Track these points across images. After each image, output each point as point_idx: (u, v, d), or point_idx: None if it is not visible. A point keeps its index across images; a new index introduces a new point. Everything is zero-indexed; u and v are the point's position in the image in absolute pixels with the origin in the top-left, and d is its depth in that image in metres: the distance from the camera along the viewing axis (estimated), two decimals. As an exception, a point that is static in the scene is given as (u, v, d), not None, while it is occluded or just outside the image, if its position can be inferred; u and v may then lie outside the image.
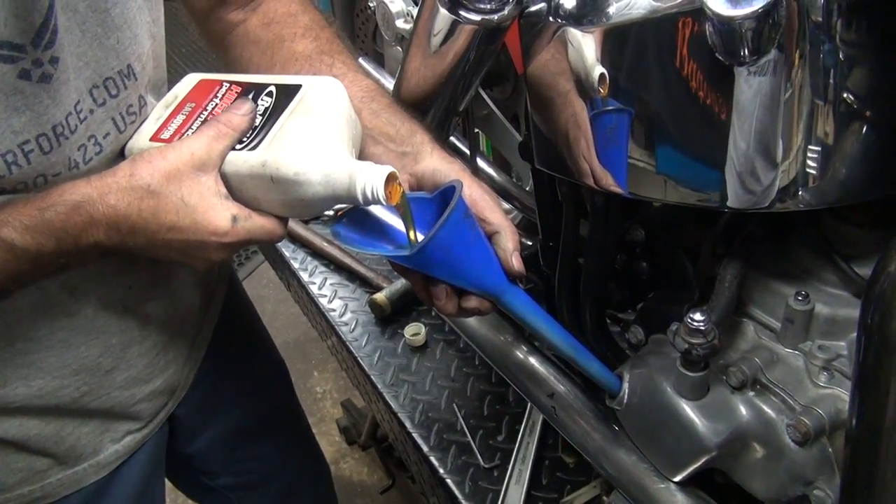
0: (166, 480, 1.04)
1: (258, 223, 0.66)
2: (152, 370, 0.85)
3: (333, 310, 1.53)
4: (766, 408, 0.71)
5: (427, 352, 1.40)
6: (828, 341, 0.71)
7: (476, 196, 0.70)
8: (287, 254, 1.67)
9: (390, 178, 0.63)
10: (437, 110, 0.92)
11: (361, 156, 0.75)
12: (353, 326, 1.49)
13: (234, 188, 0.66)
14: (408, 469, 1.66)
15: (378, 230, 0.72)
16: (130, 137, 0.71)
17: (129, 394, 0.83)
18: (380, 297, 1.47)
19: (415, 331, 1.41)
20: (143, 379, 0.84)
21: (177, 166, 0.63)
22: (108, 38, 0.67)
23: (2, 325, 0.71)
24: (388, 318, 1.46)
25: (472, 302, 0.70)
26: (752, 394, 0.72)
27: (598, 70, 0.70)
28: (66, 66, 0.63)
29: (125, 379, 0.82)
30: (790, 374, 0.71)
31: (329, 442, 2.16)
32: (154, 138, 0.69)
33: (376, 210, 0.72)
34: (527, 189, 1.21)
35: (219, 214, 0.63)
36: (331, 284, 1.59)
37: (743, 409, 0.71)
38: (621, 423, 0.82)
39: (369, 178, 0.62)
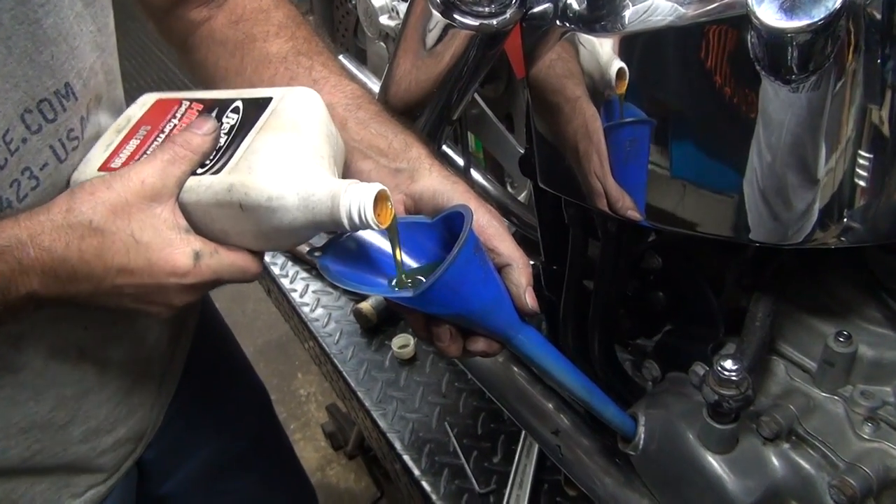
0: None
1: (226, 259, 0.57)
2: (115, 419, 0.76)
3: (316, 319, 1.45)
4: (804, 463, 0.63)
5: (416, 365, 1.33)
6: (871, 386, 0.63)
7: (484, 222, 0.61)
8: (266, 258, 1.58)
9: (380, 198, 0.54)
10: (427, 119, 0.82)
11: (348, 172, 0.66)
12: (337, 338, 1.40)
13: (197, 220, 0.57)
14: (396, 482, 1.61)
15: (371, 261, 0.63)
16: (75, 167, 0.61)
17: (88, 447, 0.74)
18: (365, 306, 1.39)
19: (403, 342, 1.33)
20: (104, 429, 0.75)
21: (125, 197, 0.54)
22: (40, 54, 0.57)
23: None
24: (375, 328, 1.39)
25: (479, 344, 0.62)
26: (787, 446, 0.64)
27: (615, 70, 0.61)
28: None
29: (83, 432, 0.73)
30: (830, 423, 0.64)
31: (314, 447, 2.09)
32: (103, 168, 0.59)
33: (368, 236, 0.63)
34: (520, 198, 1.12)
35: (177, 251, 0.54)
36: (313, 292, 1.50)
37: (777, 464, 0.64)
38: (635, 468, 0.75)
39: (355, 199, 0.53)
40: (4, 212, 0.57)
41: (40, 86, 0.58)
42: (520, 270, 0.61)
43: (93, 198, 0.53)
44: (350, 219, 0.54)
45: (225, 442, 0.99)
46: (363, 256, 0.63)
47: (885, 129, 0.53)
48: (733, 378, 0.60)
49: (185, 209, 0.56)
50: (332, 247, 0.62)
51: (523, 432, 1.17)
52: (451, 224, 0.60)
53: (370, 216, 0.53)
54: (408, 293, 0.56)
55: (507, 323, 0.61)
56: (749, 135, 0.55)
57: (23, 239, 0.52)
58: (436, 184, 0.63)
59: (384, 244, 0.63)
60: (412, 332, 0.59)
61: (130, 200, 0.54)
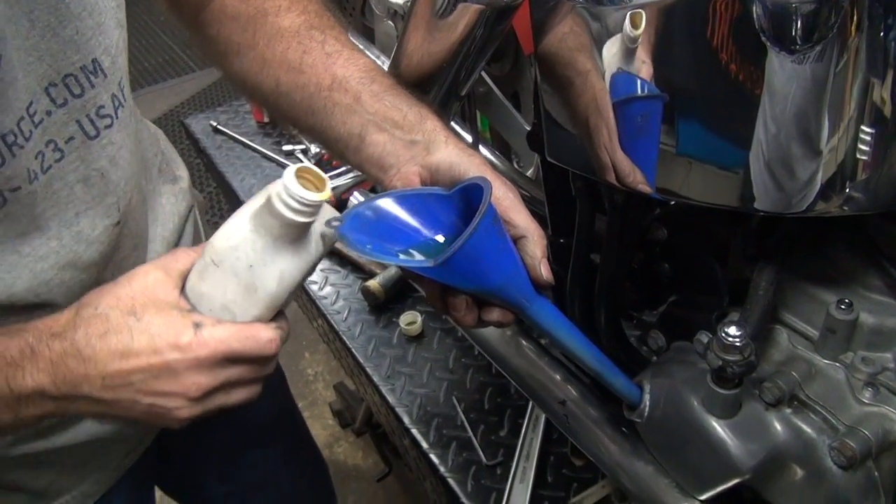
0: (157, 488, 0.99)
1: (230, 328, 0.56)
2: None
3: (325, 297, 1.46)
4: (805, 427, 0.65)
5: (424, 341, 1.35)
6: (872, 353, 0.65)
7: (500, 194, 0.62)
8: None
9: (305, 173, 0.55)
10: (437, 93, 0.84)
11: (363, 145, 0.67)
12: (345, 315, 1.42)
13: (200, 308, 0.58)
14: (404, 457, 1.63)
15: (389, 231, 0.64)
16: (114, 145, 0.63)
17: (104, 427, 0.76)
18: (373, 283, 1.40)
19: (410, 319, 1.35)
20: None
21: (130, 287, 0.56)
22: (63, 29, 0.58)
23: None
24: (382, 305, 1.41)
25: (493, 314, 0.63)
26: (789, 411, 0.66)
27: (626, 43, 0.62)
28: (10, 64, 0.54)
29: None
30: (831, 389, 0.65)
31: (322, 425, 2.11)
32: None
33: (386, 206, 0.64)
34: (528, 174, 1.13)
35: (178, 323, 0.55)
36: (321, 270, 1.52)
37: (779, 428, 0.66)
38: (640, 435, 0.77)
39: (279, 182, 0.53)
40: (32, 185, 0.59)
41: (65, 60, 0.59)
42: (535, 242, 0.62)
43: (100, 292, 0.56)
44: (286, 204, 0.53)
45: (241, 420, 1.01)
46: (381, 227, 0.63)
47: (887, 101, 0.54)
48: (737, 344, 0.61)
49: (189, 302, 0.58)
50: (351, 217, 0.63)
51: (530, 406, 1.19)
52: (468, 196, 0.60)
53: (295, 187, 0.53)
54: (428, 263, 0.57)
55: (523, 293, 0.62)
56: (755, 105, 0.57)
57: (39, 327, 0.55)
58: (452, 156, 0.64)
59: (402, 214, 0.64)
60: (427, 302, 0.59)
61: (135, 289, 0.56)
